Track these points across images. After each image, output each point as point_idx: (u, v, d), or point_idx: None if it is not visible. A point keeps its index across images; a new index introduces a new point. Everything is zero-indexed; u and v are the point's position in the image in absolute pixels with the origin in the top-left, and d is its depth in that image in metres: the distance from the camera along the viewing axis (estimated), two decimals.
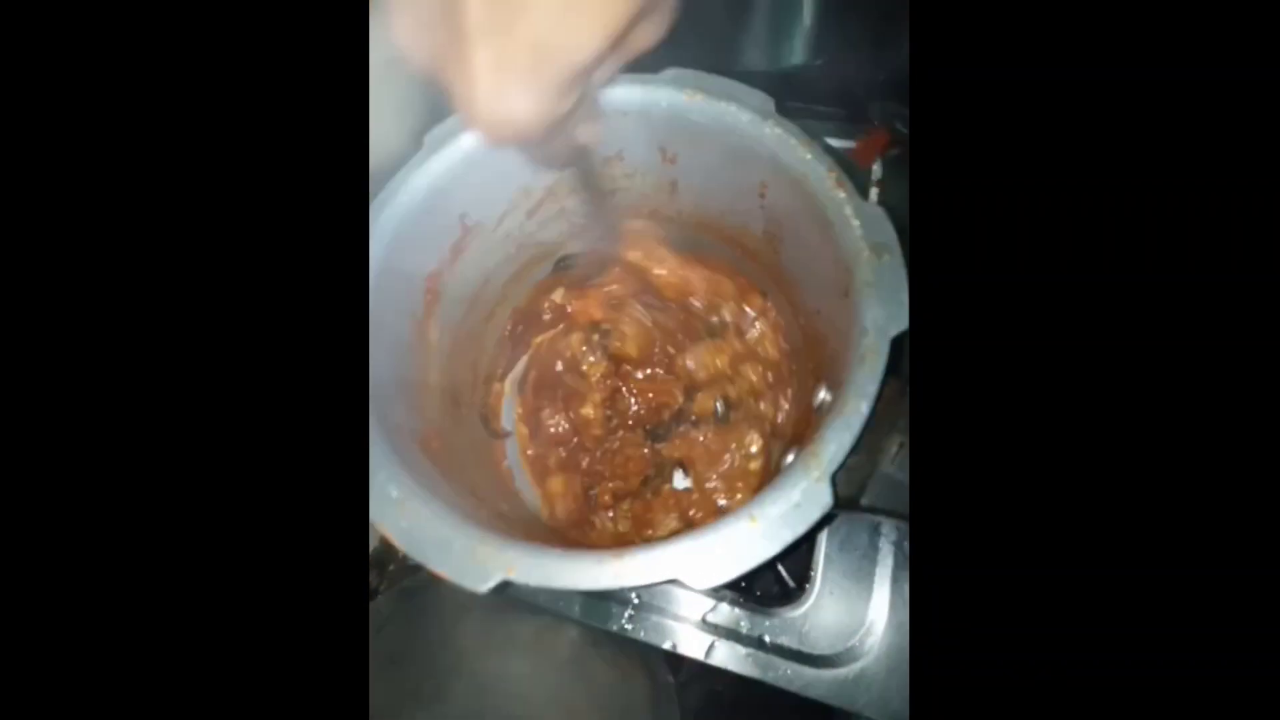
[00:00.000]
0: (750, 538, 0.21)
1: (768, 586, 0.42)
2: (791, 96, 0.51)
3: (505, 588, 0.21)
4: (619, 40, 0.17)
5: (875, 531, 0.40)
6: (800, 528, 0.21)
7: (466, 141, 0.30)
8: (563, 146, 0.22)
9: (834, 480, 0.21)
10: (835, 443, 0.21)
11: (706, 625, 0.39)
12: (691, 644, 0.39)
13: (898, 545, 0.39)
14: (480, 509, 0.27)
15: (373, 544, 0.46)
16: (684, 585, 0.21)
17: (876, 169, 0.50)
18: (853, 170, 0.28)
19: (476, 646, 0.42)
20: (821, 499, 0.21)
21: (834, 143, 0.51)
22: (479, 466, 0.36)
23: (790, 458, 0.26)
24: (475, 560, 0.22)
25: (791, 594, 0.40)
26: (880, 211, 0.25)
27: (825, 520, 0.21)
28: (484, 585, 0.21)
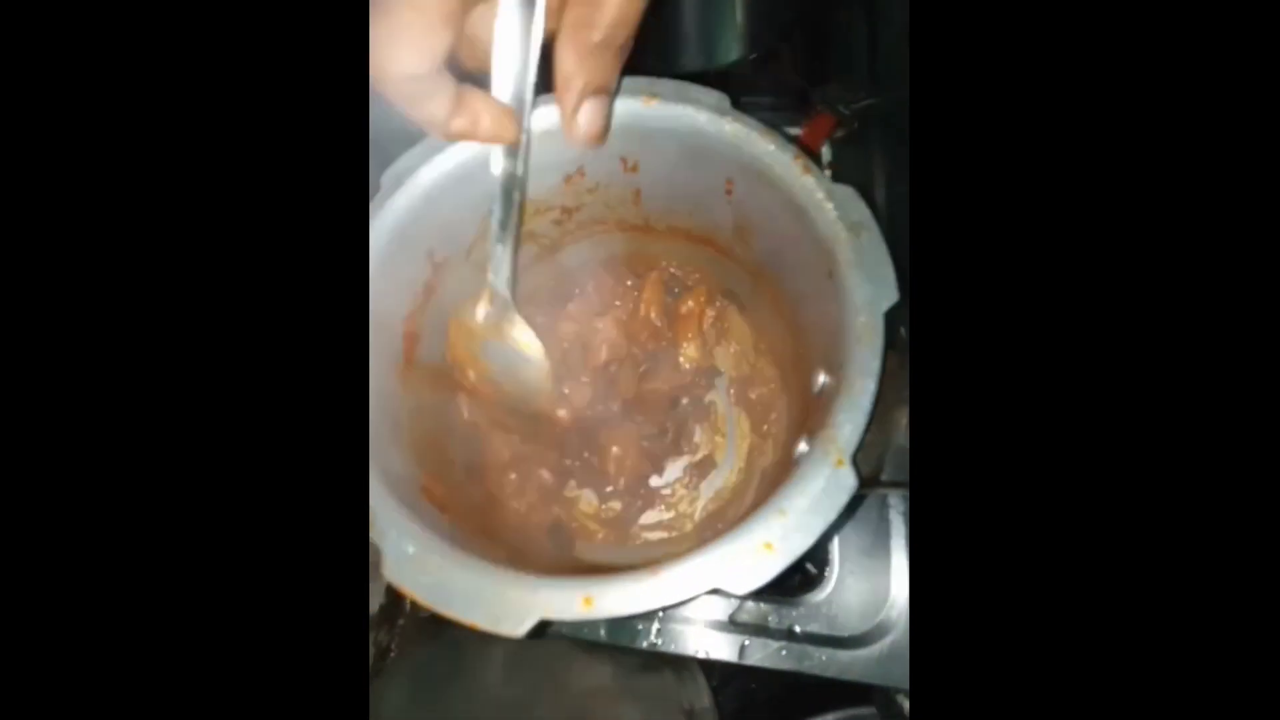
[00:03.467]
0: (784, 532, 0.21)
1: (788, 576, 0.42)
2: (732, 91, 0.52)
3: (544, 628, 0.20)
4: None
5: (884, 504, 0.40)
6: (831, 513, 0.21)
7: (425, 176, 0.29)
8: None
9: (855, 461, 0.21)
10: (850, 424, 0.22)
11: (735, 626, 0.39)
12: (723, 648, 0.38)
13: (906, 515, 0.40)
14: (496, 548, 0.26)
15: (380, 600, 0.44)
16: (726, 594, 0.20)
17: (825, 152, 0.52)
18: (813, 156, 0.29)
19: (503, 678, 0.41)
20: (846, 482, 0.21)
21: None
22: (482, 502, 0.35)
23: (803, 445, 0.26)
24: (507, 605, 0.21)
25: (813, 580, 0.40)
26: (851, 190, 0.26)
27: (854, 502, 0.21)
28: (520, 629, 0.20)
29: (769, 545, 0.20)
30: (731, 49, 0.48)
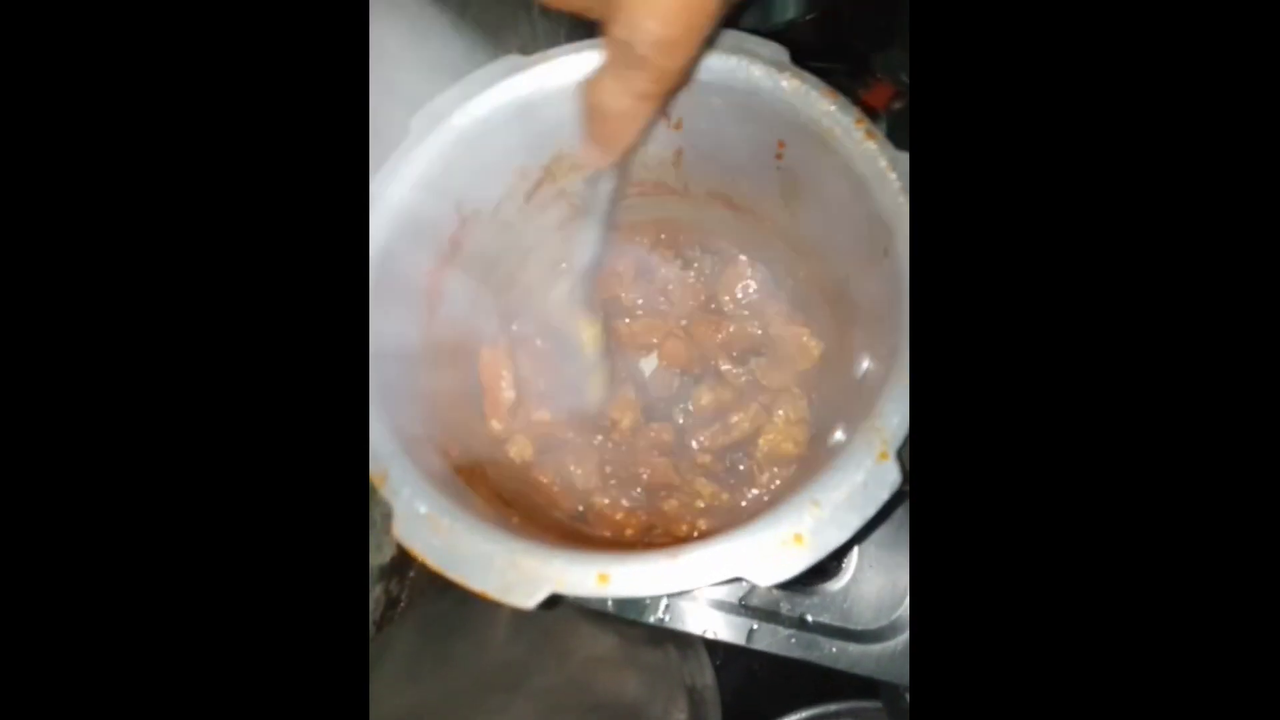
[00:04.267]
0: (816, 525, 0.19)
1: None
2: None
3: (556, 601, 0.20)
4: None
5: (906, 498, 0.39)
6: (869, 509, 0.19)
7: (458, 121, 0.27)
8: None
9: (900, 456, 0.20)
10: (898, 415, 0.20)
11: (745, 609, 0.38)
12: (731, 630, 0.38)
13: None
14: (512, 516, 0.26)
15: (391, 552, 0.44)
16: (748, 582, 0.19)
17: (881, 125, 0.48)
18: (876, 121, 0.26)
19: (508, 636, 0.42)
20: (889, 477, 0.19)
21: None
22: (500, 467, 0.34)
23: (840, 434, 0.24)
24: (519, 574, 0.20)
25: (830, 569, 0.39)
26: None
27: (895, 500, 0.19)
28: (531, 600, 0.20)
29: (799, 538, 0.19)
30: (788, 6, 0.45)
